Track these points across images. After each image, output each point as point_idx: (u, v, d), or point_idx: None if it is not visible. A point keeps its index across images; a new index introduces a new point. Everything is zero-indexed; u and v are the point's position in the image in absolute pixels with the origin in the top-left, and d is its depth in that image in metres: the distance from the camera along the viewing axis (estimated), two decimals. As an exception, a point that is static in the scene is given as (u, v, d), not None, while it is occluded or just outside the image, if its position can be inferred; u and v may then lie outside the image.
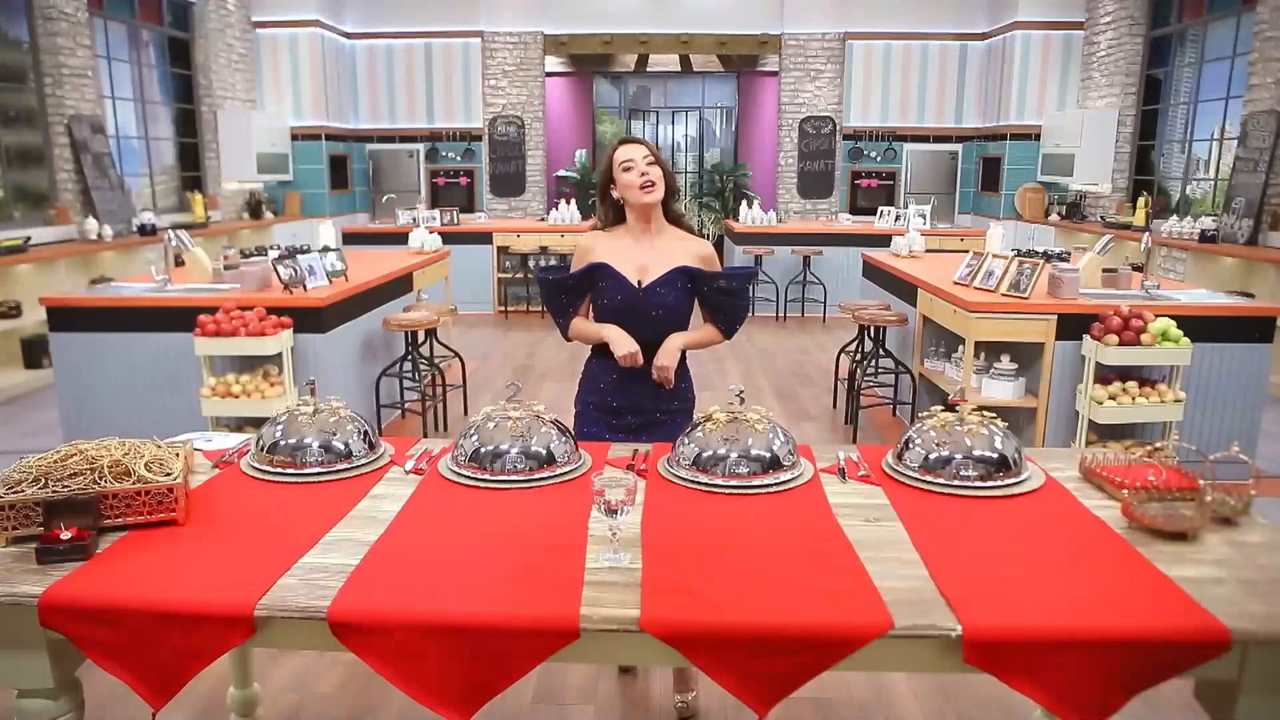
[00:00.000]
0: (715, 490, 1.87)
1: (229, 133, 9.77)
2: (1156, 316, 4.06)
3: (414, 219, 8.63)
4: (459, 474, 1.95)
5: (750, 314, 2.59)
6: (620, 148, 2.47)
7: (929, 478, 1.91)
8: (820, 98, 11.16)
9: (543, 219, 10.31)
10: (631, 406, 2.50)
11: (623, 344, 2.41)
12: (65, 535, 1.56)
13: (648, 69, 13.56)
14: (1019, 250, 5.73)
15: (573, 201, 9.99)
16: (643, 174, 2.43)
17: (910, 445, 1.98)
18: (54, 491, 1.62)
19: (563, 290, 2.55)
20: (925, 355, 5.20)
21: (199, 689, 2.57)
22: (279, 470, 1.96)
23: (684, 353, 2.56)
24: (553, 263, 2.67)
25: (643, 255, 2.49)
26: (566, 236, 9.27)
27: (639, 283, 2.46)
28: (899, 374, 5.49)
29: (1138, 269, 5.08)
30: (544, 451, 1.96)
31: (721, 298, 2.52)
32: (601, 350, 2.53)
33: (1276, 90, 7.00)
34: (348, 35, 11.03)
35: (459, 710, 1.40)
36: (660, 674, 2.71)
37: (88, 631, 1.44)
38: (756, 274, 2.73)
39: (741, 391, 2.05)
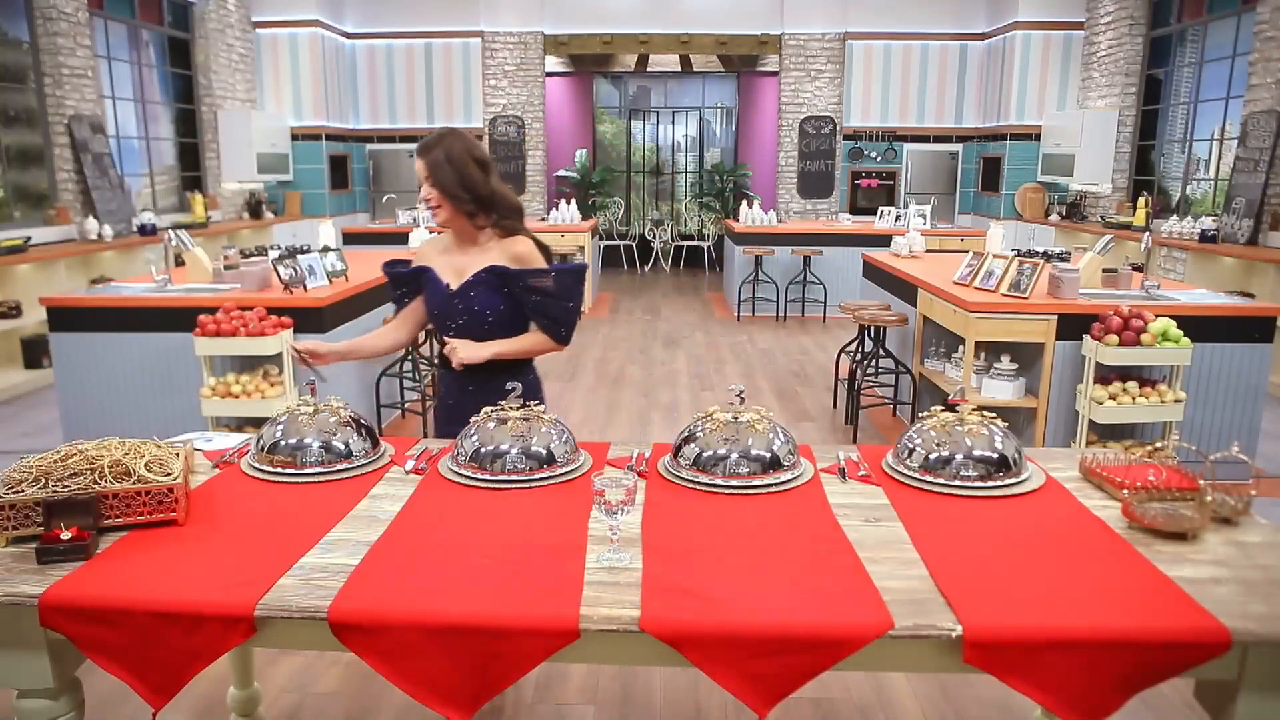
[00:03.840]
0: (715, 490, 1.87)
1: (229, 133, 9.77)
2: (1156, 316, 4.06)
3: (414, 219, 8.64)
4: (459, 474, 1.95)
5: (580, 315, 2.37)
6: None
7: (929, 478, 1.91)
8: (820, 98, 11.16)
9: (543, 219, 10.30)
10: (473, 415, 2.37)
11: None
12: (65, 535, 1.56)
13: (648, 69, 13.57)
14: (1019, 250, 5.73)
15: (573, 201, 9.99)
16: (425, 196, 2.31)
17: (910, 445, 1.98)
18: (54, 491, 1.62)
19: (395, 284, 2.52)
20: (925, 355, 5.20)
21: (199, 689, 2.57)
22: (279, 470, 1.96)
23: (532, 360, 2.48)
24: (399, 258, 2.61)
25: (461, 259, 2.38)
26: (567, 236, 9.28)
27: (449, 285, 2.36)
28: (899, 374, 5.49)
29: (1138, 269, 5.08)
30: (544, 451, 1.96)
31: (534, 296, 2.33)
32: (441, 360, 2.44)
33: (1276, 90, 7.00)
34: (348, 35, 11.04)
35: (459, 710, 1.40)
36: (661, 673, 2.71)
37: (88, 631, 1.44)
38: (581, 272, 2.51)
39: (741, 391, 2.05)
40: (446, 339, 2.33)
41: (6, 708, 1.57)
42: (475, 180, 2.29)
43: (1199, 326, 4.14)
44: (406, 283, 2.50)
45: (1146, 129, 9.53)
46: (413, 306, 2.50)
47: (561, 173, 13.43)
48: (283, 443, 1.99)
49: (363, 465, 2.02)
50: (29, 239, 6.60)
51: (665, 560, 1.55)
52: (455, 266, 2.39)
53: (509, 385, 2.08)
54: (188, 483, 1.82)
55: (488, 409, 2.03)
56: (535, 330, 2.41)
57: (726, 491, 1.87)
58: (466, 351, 2.29)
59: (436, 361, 2.50)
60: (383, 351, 2.54)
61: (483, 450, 1.94)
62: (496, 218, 2.36)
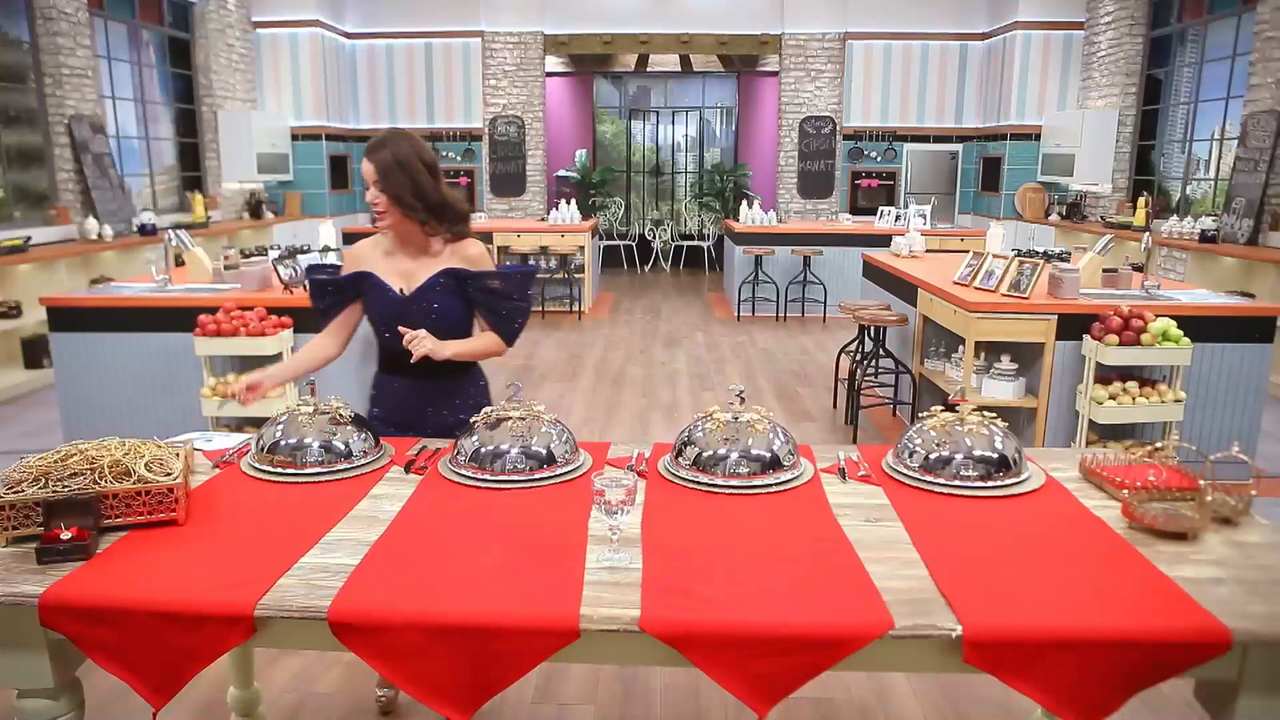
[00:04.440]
0: (715, 490, 1.87)
1: (229, 133, 9.77)
2: (1156, 316, 4.06)
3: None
4: (459, 474, 1.95)
5: (527, 318, 2.43)
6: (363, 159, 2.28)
7: (929, 478, 1.91)
8: (820, 98, 11.16)
9: (543, 219, 10.31)
10: (420, 419, 2.34)
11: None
12: (65, 535, 1.56)
13: (648, 69, 13.57)
14: (1019, 250, 5.73)
15: (573, 201, 9.99)
16: (372, 201, 2.26)
17: (910, 445, 1.98)
18: (54, 491, 1.62)
19: (326, 292, 2.42)
20: (925, 355, 5.20)
21: (199, 689, 2.57)
22: (279, 470, 1.96)
23: (478, 362, 2.44)
24: (330, 262, 2.53)
25: (407, 263, 2.34)
26: (567, 236, 9.28)
27: (401, 290, 2.32)
28: (899, 374, 5.49)
29: (1138, 269, 5.08)
30: (544, 451, 1.96)
31: (491, 298, 2.35)
32: (388, 364, 2.41)
33: (1276, 90, 7.00)
34: (348, 35, 11.04)
35: (459, 709, 1.40)
36: (661, 673, 2.71)
37: (88, 631, 1.44)
38: (534, 274, 2.69)
39: (742, 391, 2.05)
40: (404, 330, 2.22)
41: (6, 708, 1.57)
42: (426, 186, 2.26)
43: (1199, 326, 4.14)
44: (338, 290, 2.40)
45: (1146, 129, 9.52)
46: (341, 318, 2.41)
47: (561, 173, 13.43)
48: (283, 443, 1.99)
49: (363, 465, 2.02)
50: (29, 239, 6.60)
51: (665, 560, 1.55)
52: (403, 271, 2.34)
53: (509, 385, 2.08)
54: (188, 483, 1.82)
55: (488, 409, 2.04)
56: (484, 332, 2.38)
57: (726, 491, 1.87)
58: (433, 343, 2.20)
59: (379, 362, 2.45)
60: (318, 367, 2.41)
61: (483, 450, 1.94)
62: (447, 226, 2.33)
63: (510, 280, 2.39)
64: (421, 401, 2.39)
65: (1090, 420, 4.17)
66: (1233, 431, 4.33)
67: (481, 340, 2.38)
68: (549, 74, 11.77)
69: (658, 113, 14.34)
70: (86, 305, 4.37)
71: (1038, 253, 5.81)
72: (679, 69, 13.56)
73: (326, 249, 4.91)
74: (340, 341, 2.45)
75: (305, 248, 4.87)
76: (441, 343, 2.25)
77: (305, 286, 2.34)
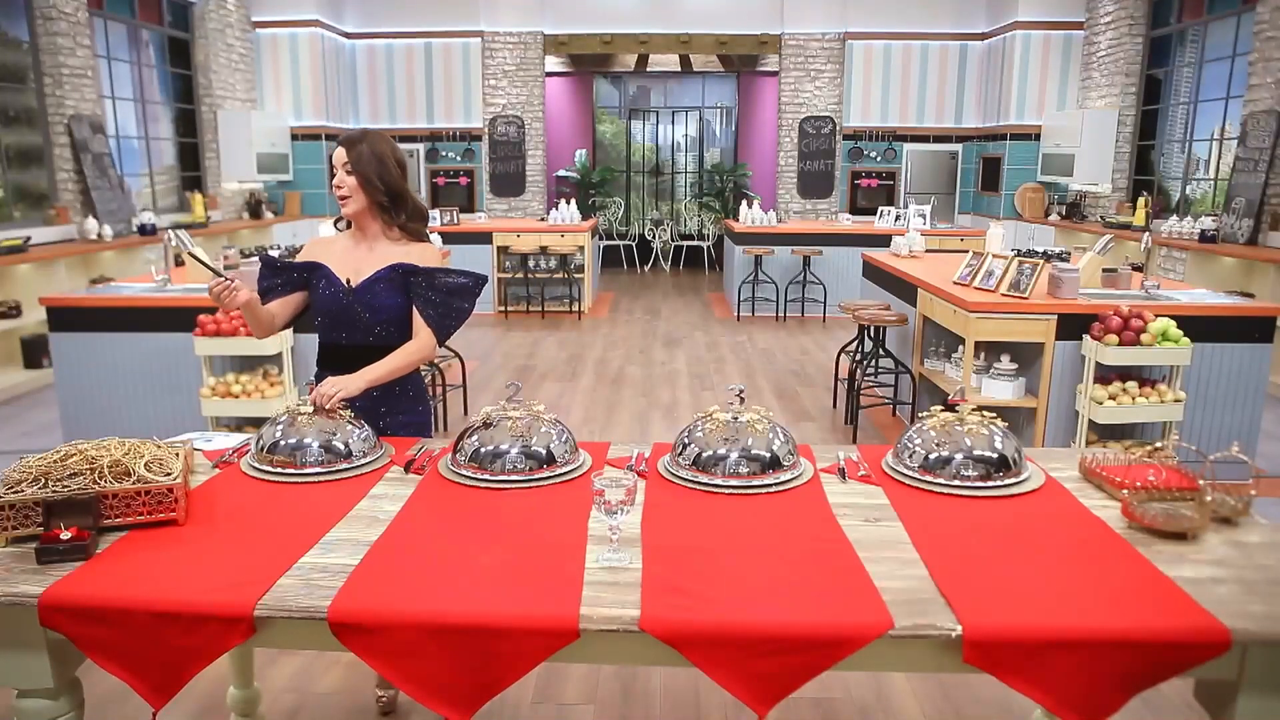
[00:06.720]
0: (715, 490, 1.87)
1: (229, 133, 9.77)
2: (1156, 316, 4.06)
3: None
4: (459, 474, 1.95)
5: (466, 320, 2.45)
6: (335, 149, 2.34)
7: (929, 478, 1.91)
8: (820, 98, 11.16)
9: (543, 219, 10.31)
10: (366, 417, 2.22)
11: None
12: (65, 535, 1.56)
13: (648, 69, 13.57)
14: (1019, 250, 5.74)
15: (573, 201, 9.98)
16: (337, 185, 2.32)
17: (910, 445, 1.98)
18: (54, 491, 1.62)
19: (272, 273, 2.42)
20: (925, 355, 5.20)
21: (199, 689, 2.57)
22: (279, 470, 1.96)
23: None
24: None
25: (359, 259, 2.37)
26: (566, 236, 9.28)
27: (348, 281, 2.34)
28: (899, 374, 5.49)
29: (1138, 269, 5.08)
30: (544, 451, 1.96)
31: (442, 296, 2.35)
32: (325, 361, 2.42)
33: (1276, 90, 7.00)
34: (348, 35, 11.04)
35: (459, 710, 1.40)
36: (661, 673, 2.71)
37: (88, 631, 1.44)
38: (485, 282, 2.53)
39: (742, 391, 2.05)
40: (311, 385, 2.20)
41: (6, 708, 1.57)
42: (393, 175, 2.33)
43: (1199, 326, 4.14)
44: (286, 270, 2.41)
45: (1146, 129, 9.53)
46: (279, 303, 2.41)
47: (561, 173, 13.43)
48: (283, 443, 1.99)
49: (363, 465, 2.02)
50: (29, 239, 6.60)
51: (665, 560, 1.55)
52: (354, 264, 2.37)
53: (509, 385, 2.08)
54: (188, 483, 1.82)
55: (487, 409, 2.04)
56: (405, 347, 2.35)
57: (726, 491, 1.87)
58: (350, 387, 2.18)
59: (319, 359, 2.45)
60: (265, 320, 2.37)
61: (483, 450, 1.94)
62: (405, 218, 2.38)
63: (464, 276, 2.39)
64: (361, 399, 2.30)
65: (1090, 420, 4.17)
66: (1233, 431, 4.33)
67: (398, 358, 2.33)
68: (549, 74, 11.77)
69: (657, 113, 14.34)
70: (86, 305, 4.37)
71: (1037, 253, 5.81)
72: (679, 69, 13.56)
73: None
74: (278, 317, 2.42)
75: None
76: (353, 379, 2.21)
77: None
